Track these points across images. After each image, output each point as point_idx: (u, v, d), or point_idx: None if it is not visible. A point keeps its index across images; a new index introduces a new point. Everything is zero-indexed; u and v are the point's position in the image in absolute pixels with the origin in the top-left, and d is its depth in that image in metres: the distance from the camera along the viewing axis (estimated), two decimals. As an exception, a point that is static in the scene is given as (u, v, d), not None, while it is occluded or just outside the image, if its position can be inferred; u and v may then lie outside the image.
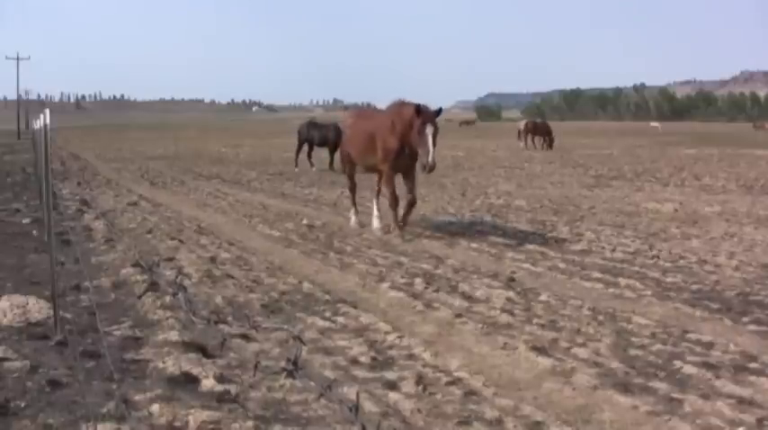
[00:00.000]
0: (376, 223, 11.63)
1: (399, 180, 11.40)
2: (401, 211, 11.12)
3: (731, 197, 16.99)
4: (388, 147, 11.00)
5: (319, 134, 25.47)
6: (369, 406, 4.43)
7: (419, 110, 10.31)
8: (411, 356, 5.56)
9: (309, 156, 25.71)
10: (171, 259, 9.10)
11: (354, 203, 12.42)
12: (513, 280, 8.16)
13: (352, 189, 12.65)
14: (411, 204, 11.06)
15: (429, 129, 10.20)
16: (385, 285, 7.87)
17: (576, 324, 6.44)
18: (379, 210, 11.79)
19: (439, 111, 10.60)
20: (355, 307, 6.97)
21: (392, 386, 4.90)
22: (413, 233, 11.12)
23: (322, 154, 26.03)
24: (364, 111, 12.79)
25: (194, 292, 7.18)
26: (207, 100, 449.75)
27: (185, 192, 18.23)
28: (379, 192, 12.29)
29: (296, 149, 26.10)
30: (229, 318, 6.20)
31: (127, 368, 5.05)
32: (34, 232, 11.10)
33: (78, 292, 7.20)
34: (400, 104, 11.13)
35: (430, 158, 10.14)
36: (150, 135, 66.81)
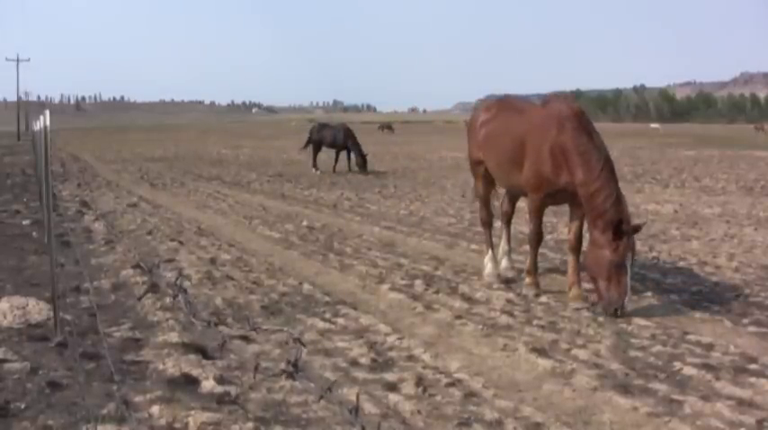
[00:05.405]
0: (505, 263, 8.42)
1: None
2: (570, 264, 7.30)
3: (731, 198, 16.98)
4: (541, 165, 7.29)
5: (330, 135, 25.68)
6: (369, 407, 4.44)
7: (621, 228, 6.63)
8: (411, 358, 5.57)
9: (315, 158, 25.84)
10: (171, 260, 9.11)
11: (490, 243, 8.52)
12: (513, 281, 8.16)
13: (487, 221, 8.66)
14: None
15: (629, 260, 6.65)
16: (385, 287, 7.87)
17: (575, 325, 6.45)
18: (508, 242, 8.60)
19: (638, 228, 6.94)
20: (355, 308, 6.98)
21: (392, 387, 4.90)
22: (414, 234, 11.09)
23: (322, 155, 26.13)
24: (510, 101, 8.47)
25: (194, 294, 7.18)
26: (207, 101, 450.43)
27: (185, 194, 18.23)
28: (510, 217, 8.79)
29: (312, 153, 26.19)
30: (229, 320, 6.22)
31: (127, 369, 5.05)
32: (34, 234, 11.10)
33: (78, 294, 7.20)
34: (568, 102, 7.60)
35: (625, 300, 6.65)
36: (150, 136, 66.84)
